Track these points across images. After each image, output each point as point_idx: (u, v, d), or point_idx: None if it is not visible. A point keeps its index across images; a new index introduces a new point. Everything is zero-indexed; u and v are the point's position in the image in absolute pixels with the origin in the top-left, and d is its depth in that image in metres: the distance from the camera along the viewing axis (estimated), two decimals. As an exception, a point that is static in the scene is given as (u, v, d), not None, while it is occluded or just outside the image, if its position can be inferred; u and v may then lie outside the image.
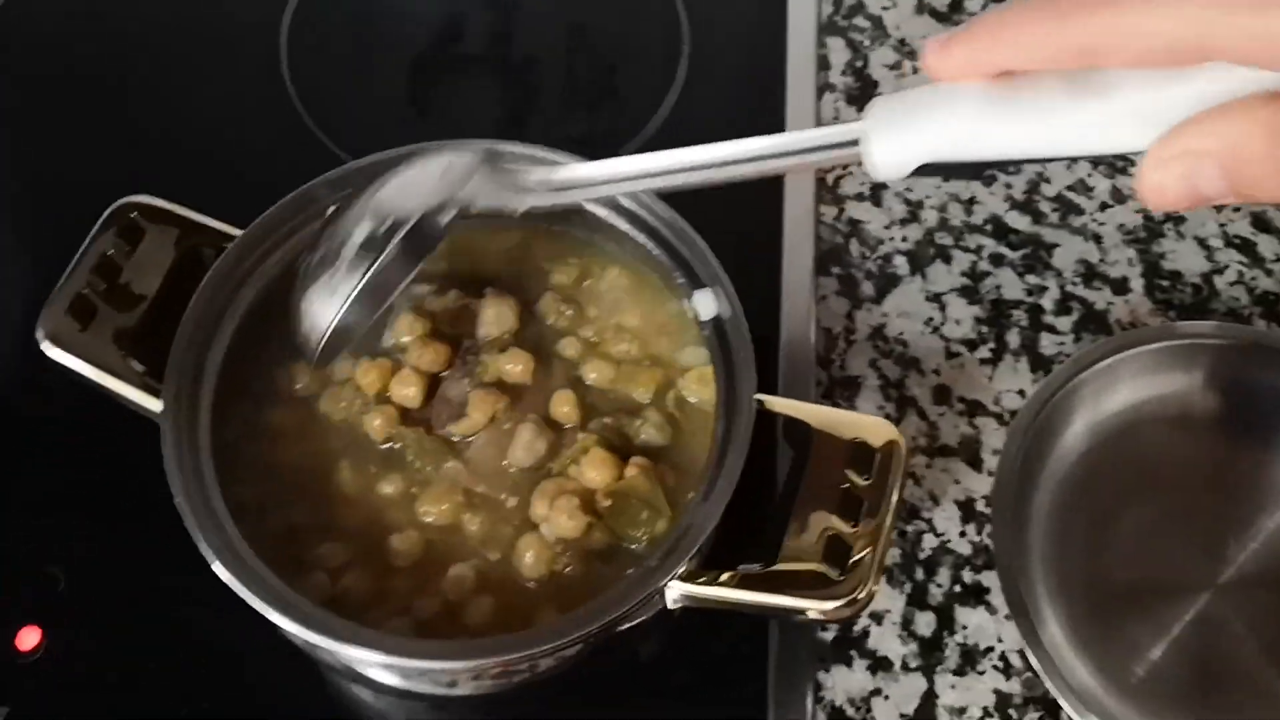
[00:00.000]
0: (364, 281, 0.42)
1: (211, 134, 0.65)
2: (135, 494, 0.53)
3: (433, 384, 0.51)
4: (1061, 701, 0.49)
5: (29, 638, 0.52)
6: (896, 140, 0.35)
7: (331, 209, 0.48)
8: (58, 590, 0.53)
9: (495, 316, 0.52)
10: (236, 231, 0.50)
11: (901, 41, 0.70)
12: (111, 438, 0.53)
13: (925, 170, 0.37)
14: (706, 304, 0.51)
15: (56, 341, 0.48)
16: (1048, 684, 0.49)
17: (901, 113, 0.36)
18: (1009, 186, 0.66)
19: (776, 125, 0.67)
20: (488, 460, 0.50)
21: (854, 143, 0.37)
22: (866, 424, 0.48)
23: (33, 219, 0.64)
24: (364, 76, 0.68)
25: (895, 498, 0.46)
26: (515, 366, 0.51)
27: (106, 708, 0.52)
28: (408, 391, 0.50)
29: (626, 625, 0.46)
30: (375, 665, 0.45)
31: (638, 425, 0.51)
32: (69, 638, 0.52)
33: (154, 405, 0.46)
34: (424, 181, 0.44)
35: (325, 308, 0.43)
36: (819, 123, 0.67)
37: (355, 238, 0.43)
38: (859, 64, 0.70)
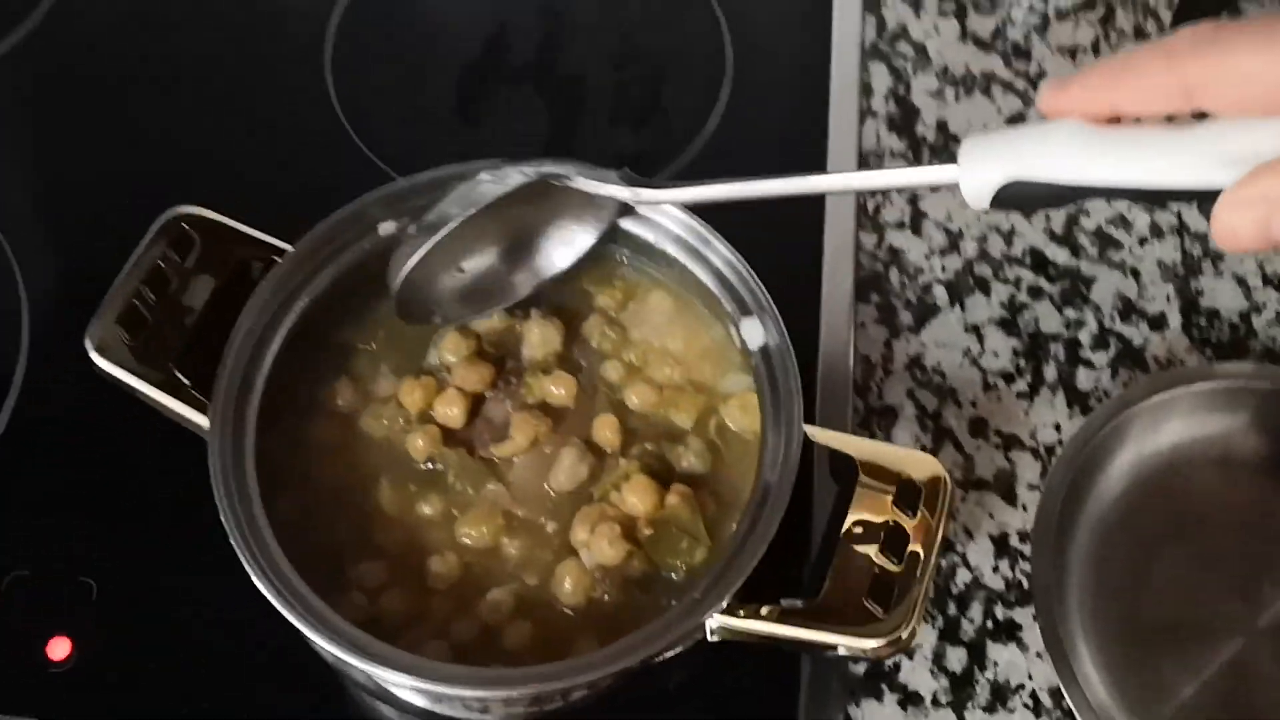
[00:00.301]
0: (441, 236, 0.48)
1: (254, 147, 0.65)
2: (170, 505, 0.54)
3: (476, 404, 0.51)
4: (1095, 741, 0.49)
5: (59, 648, 0.52)
6: (992, 163, 0.38)
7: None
8: (90, 600, 0.53)
9: (540, 338, 0.52)
10: (287, 246, 0.50)
11: (944, 69, 0.70)
12: (149, 449, 0.54)
13: (1014, 203, 0.39)
14: (754, 332, 0.50)
15: (104, 352, 0.47)
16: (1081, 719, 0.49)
17: (999, 140, 0.39)
18: (1048, 219, 0.65)
19: (819, 149, 0.66)
20: (529, 483, 0.50)
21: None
22: (912, 459, 0.48)
23: (79, 229, 0.63)
24: (410, 88, 0.68)
25: (940, 535, 0.46)
26: (558, 389, 0.51)
27: (133, 717, 0.52)
28: (450, 411, 0.50)
29: (667, 655, 0.46)
30: (409, 689, 0.45)
31: (679, 452, 0.51)
32: (100, 648, 0.52)
33: (200, 420, 0.46)
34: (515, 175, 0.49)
35: (406, 256, 0.48)
36: (860, 149, 0.67)
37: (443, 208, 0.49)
38: (901, 90, 0.70)
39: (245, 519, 0.44)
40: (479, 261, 0.50)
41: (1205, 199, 0.34)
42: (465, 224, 0.48)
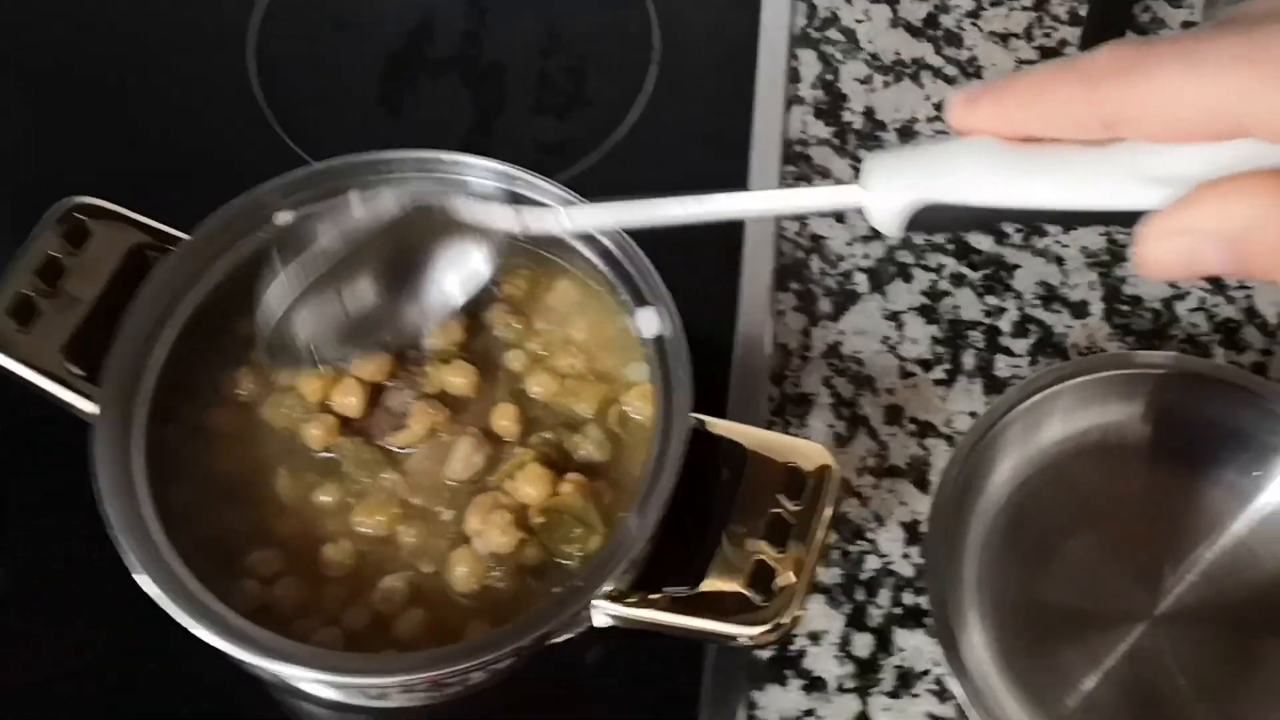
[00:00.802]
0: (309, 284, 0.44)
1: (173, 133, 0.66)
2: (82, 496, 0.55)
3: (376, 393, 0.51)
4: (987, 733, 0.50)
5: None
6: (899, 184, 0.35)
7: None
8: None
9: (441, 327, 0.52)
10: (184, 235, 0.51)
11: (874, 55, 0.70)
12: (57, 438, 0.54)
13: (927, 227, 0.36)
14: (649, 322, 0.51)
15: None
16: (971, 714, 0.50)
17: (908, 159, 0.35)
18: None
19: (744, 137, 0.67)
20: (425, 472, 0.50)
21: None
22: (801, 448, 0.48)
23: None
24: (333, 77, 0.68)
25: (825, 523, 0.46)
26: (459, 379, 0.51)
27: (44, 714, 0.52)
28: (348, 400, 0.51)
29: (555, 640, 0.47)
30: (302, 680, 0.45)
31: (578, 440, 0.51)
32: (9, 638, 0.53)
33: (90, 409, 0.47)
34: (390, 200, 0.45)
35: (275, 303, 0.44)
36: (785, 136, 0.67)
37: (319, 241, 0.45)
38: (829, 77, 0.70)
39: (129, 508, 0.45)
40: (360, 293, 0.46)
41: (1129, 220, 0.31)
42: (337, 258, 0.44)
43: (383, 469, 0.50)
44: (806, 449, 0.48)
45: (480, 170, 0.52)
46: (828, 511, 0.46)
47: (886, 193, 0.35)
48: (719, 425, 0.49)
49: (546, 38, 0.70)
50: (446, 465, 0.50)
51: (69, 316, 0.48)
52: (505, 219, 0.44)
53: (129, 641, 0.52)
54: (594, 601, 0.45)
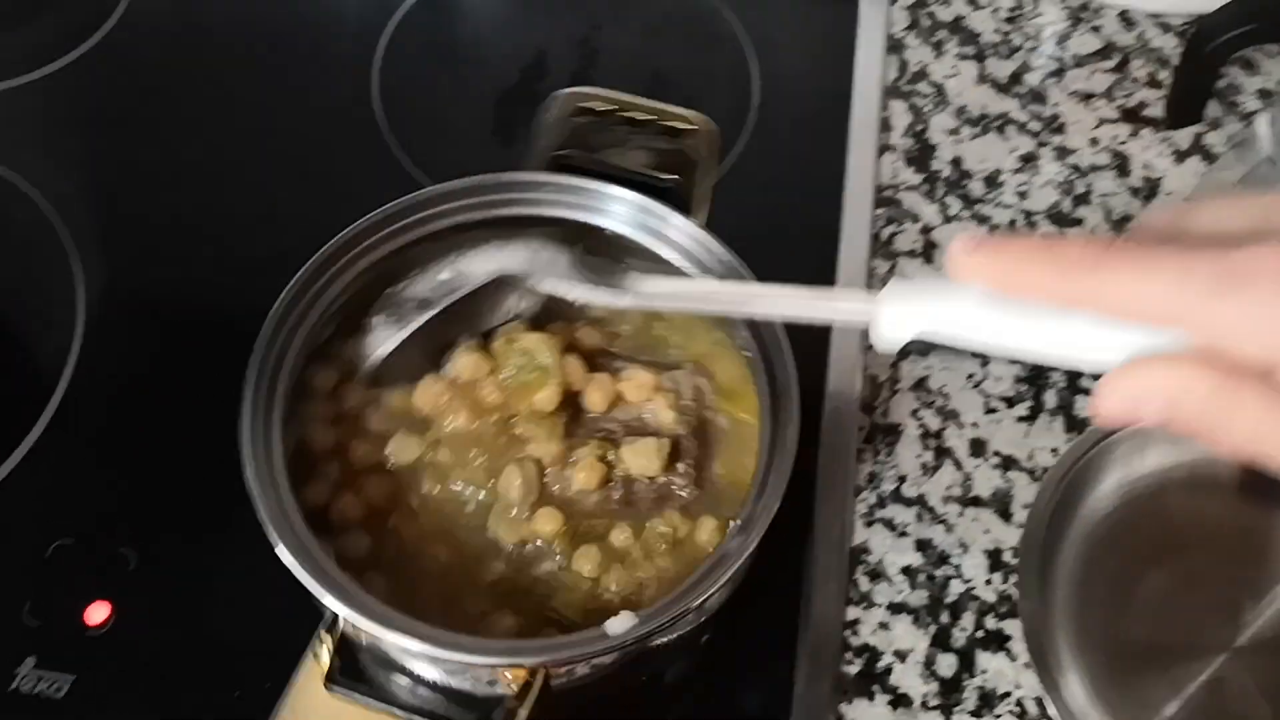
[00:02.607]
0: (412, 329, 0.52)
1: (300, 155, 0.70)
2: (213, 482, 0.57)
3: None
4: (1075, 751, 0.52)
5: (98, 612, 0.56)
6: (904, 311, 0.40)
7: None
8: (128, 569, 0.57)
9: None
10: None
11: (961, 109, 0.73)
12: (195, 428, 0.57)
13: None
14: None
15: None
16: (1060, 731, 0.51)
17: (914, 291, 0.40)
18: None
19: (837, 182, 0.70)
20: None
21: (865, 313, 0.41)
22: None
23: (130, 218, 0.68)
24: (451, 107, 0.72)
25: None
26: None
27: (168, 683, 0.55)
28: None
29: (654, 644, 0.49)
30: (424, 658, 0.47)
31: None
32: (137, 615, 0.56)
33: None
34: (504, 255, 0.52)
35: (378, 340, 0.52)
36: (877, 181, 0.70)
37: (423, 286, 0.53)
38: (919, 128, 0.73)
39: (274, 498, 0.47)
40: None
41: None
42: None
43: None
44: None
45: (618, 200, 0.55)
46: None
47: (895, 321, 0.40)
48: None
49: (652, 79, 0.73)
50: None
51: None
52: (577, 292, 0.50)
53: (163, 611, 0.56)
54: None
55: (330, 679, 0.47)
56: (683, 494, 0.52)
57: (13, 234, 0.67)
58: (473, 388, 0.53)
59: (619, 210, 0.55)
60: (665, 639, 0.49)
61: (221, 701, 0.54)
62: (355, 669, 0.47)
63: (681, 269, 0.54)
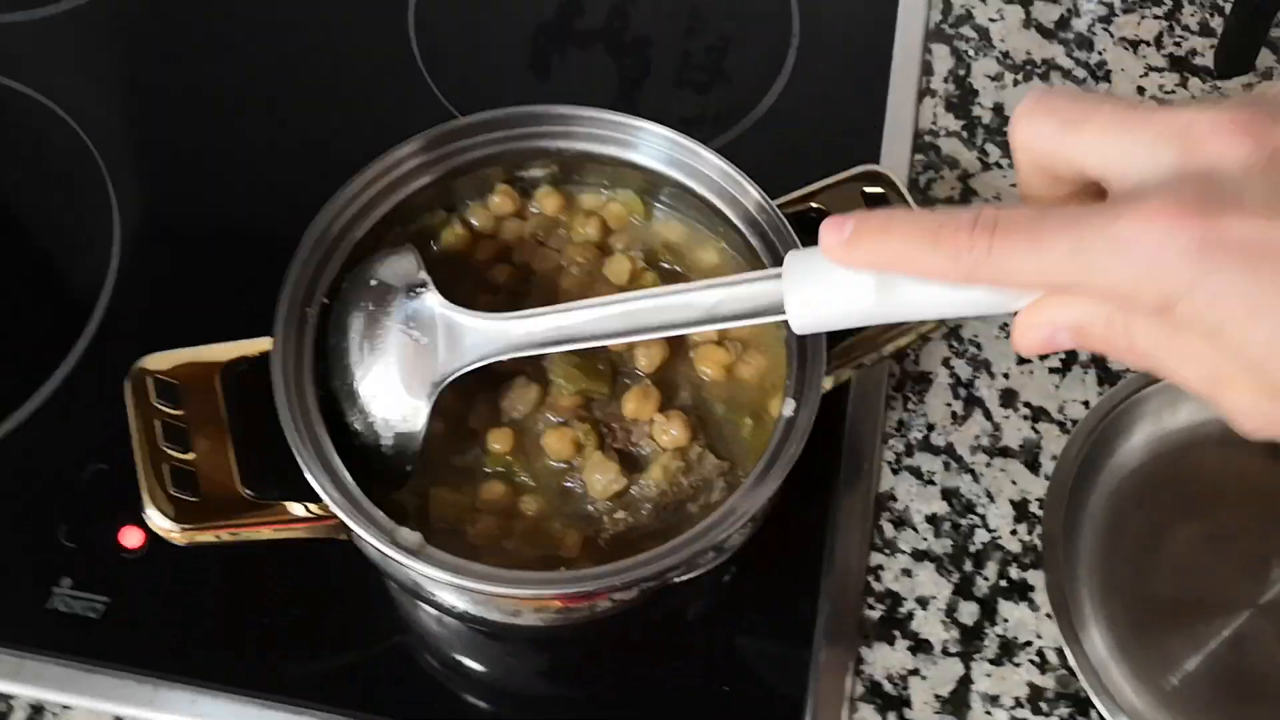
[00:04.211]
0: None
1: (334, 86, 0.69)
2: (245, 408, 0.58)
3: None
4: (1094, 700, 0.52)
5: (133, 537, 0.57)
6: (806, 300, 0.41)
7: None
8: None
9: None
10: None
11: (1005, 54, 0.72)
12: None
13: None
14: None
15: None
16: (1082, 682, 0.52)
17: (812, 275, 0.41)
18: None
19: (875, 124, 0.69)
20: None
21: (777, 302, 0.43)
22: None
23: (165, 146, 0.69)
24: (487, 41, 0.72)
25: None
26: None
27: (199, 607, 0.56)
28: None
29: (677, 580, 0.49)
30: (450, 586, 0.48)
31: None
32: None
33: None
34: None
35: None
36: (916, 126, 0.69)
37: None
38: (961, 72, 0.72)
39: (306, 428, 0.48)
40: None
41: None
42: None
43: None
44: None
45: (650, 135, 0.55)
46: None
47: (801, 312, 0.42)
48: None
49: (690, 17, 0.73)
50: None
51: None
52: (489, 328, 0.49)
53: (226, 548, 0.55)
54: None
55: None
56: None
57: (51, 160, 0.68)
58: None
59: (651, 145, 0.55)
60: (686, 576, 0.49)
61: (256, 624, 0.55)
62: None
63: (713, 204, 0.54)
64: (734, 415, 0.53)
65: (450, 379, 0.49)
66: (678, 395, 0.53)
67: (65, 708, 0.54)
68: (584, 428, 0.52)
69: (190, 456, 0.49)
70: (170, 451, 0.49)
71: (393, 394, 0.49)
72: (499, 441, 0.52)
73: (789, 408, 0.50)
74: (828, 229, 0.39)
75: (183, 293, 0.63)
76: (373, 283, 0.50)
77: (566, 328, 0.48)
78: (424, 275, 0.50)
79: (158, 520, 0.48)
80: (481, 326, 0.49)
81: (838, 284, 0.40)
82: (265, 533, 0.49)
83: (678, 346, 0.54)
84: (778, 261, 0.53)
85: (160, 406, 0.50)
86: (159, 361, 0.51)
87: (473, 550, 0.49)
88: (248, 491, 0.49)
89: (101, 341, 0.62)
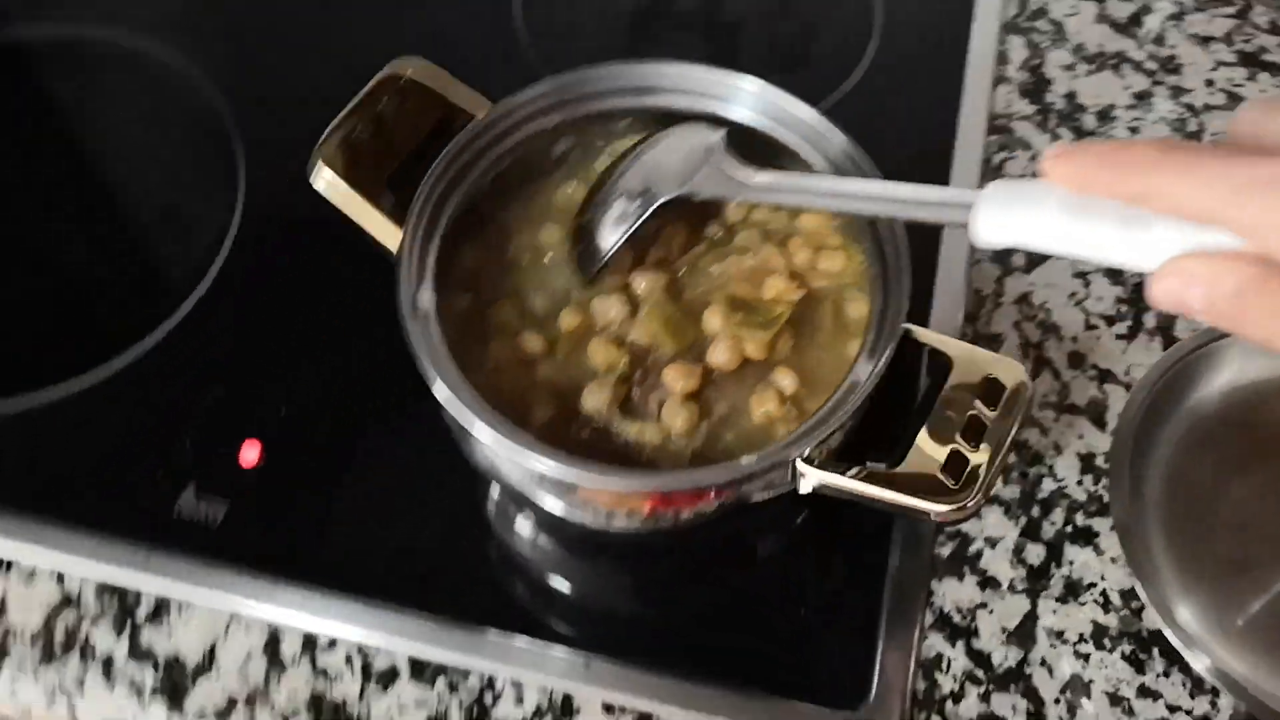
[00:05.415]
0: (621, 240, 0.56)
1: (442, 54, 0.73)
2: (362, 334, 0.63)
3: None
4: (1167, 633, 0.54)
5: (250, 452, 0.61)
6: (997, 221, 0.44)
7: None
8: (279, 415, 0.62)
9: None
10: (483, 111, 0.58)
11: (1078, 46, 0.76)
12: (340, 284, 0.63)
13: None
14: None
15: (331, 165, 0.55)
16: (1153, 612, 0.54)
17: (1006, 198, 0.44)
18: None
19: (952, 108, 0.73)
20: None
21: (966, 207, 0.44)
22: (1001, 364, 0.53)
23: (288, 85, 0.74)
24: (588, 26, 0.77)
25: (1015, 428, 0.51)
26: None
27: (312, 518, 0.60)
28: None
29: (762, 497, 0.52)
30: (552, 484, 0.51)
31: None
32: (286, 457, 0.61)
33: (395, 239, 0.54)
34: (676, 160, 0.56)
35: (596, 250, 0.56)
36: (991, 110, 0.73)
37: (619, 205, 0.56)
38: (1036, 62, 0.75)
39: (423, 330, 0.52)
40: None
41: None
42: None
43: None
44: (1006, 365, 0.53)
45: (745, 90, 0.59)
46: (1019, 419, 0.52)
47: (989, 225, 0.44)
48: (927, 335, 0.55)
49: (779, 4, 0.77)
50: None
51: (389, 160, 0.56)
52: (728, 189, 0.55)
53: (310, 451, 0.61)
54: (802, 468, 0.51)
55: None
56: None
57: (177, 113, 0.73)
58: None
59: (746, 99, 0.59)
60: (765, 495, 0.52)
61: (360, 533, 0.59)
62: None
63: (805, 157, 0.58)
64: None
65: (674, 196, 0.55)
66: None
67: (187, 605, 0.58)
68: (625, 359, 0.55)
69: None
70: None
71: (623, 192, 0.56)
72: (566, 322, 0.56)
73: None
74: (1052, 146, 0.42)
75: (303, 237, 0.67)
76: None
77: (788, 185, 0.53)
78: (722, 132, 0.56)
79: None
80: (740, 174, 0.55)
81: (1026, 201, 0.43)
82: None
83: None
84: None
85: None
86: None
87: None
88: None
89: (227, 273, 0.67)
